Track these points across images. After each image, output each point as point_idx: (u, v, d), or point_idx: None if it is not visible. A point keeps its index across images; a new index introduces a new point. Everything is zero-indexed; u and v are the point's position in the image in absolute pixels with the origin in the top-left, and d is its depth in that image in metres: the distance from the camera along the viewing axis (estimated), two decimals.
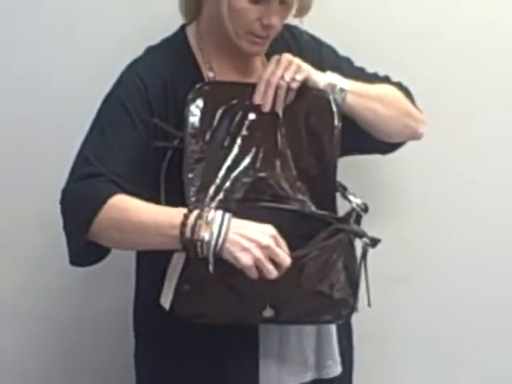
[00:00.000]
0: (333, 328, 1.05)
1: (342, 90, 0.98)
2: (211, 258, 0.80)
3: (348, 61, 1.13)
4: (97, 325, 1.34)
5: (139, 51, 1.01)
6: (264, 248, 0.80)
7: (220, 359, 0.98)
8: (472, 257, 1.43)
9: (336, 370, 1.05)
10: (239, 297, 0.87)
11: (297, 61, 0.96)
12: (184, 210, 0.82)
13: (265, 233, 0.82)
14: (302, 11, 0.97)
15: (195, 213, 0.82)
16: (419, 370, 1.48)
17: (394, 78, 1.13)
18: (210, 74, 1.00)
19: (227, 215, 0.82)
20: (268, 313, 0.89)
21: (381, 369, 1.45)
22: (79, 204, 0.90)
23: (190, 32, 1.03)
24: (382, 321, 1.41)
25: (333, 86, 0.98)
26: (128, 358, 1.08)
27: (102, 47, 1.16)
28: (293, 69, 0.95)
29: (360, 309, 1.01)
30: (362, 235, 0.95)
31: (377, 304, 1.15)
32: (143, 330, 1.06)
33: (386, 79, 1.13)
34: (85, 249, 0.91)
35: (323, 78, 0.98)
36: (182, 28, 1.04)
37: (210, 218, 0.81)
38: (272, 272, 0.81)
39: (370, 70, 1.14)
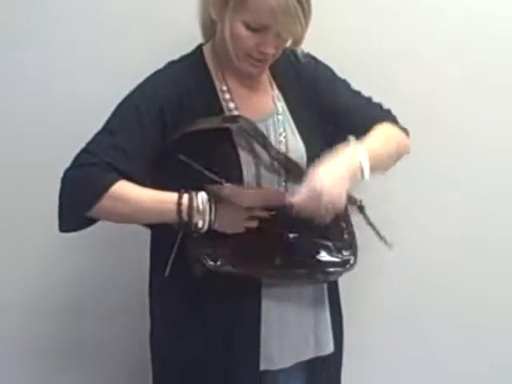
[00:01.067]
0: (327, 312, 1.18)
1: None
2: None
3: (345, 83, 1.24)
4: (117, 287, 1.48)
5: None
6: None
7: (225, 332, 1.09)
8: (451, 248, 1.57)
9: (329, 348, 1.18)
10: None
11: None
12: (175, 199, 1.00)
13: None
14: (296, 44, 1.09)
15: (186, 199, 1.00)
16: (402, 351, 1.63)
17: (379, 93, 1.26)
18: (224, 88, 1.11)
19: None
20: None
21: (367, 350, 1.58)
22: (80, 190, 1.00)
23: (206, 50, 1.15)
24: (368, 306, 1.56)
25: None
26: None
27: (128, 63, 1.30)
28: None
29: (349, 296, 1.19)
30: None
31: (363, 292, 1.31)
32: (157, 291, 1.17)
33: (378, 105, 1.24)
34: (79, 225, 1.04)
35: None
36: (200, 46, 1.16)
37: (201, 208, 1.00)
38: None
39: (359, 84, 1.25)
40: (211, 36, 1.15)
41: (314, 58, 1.23)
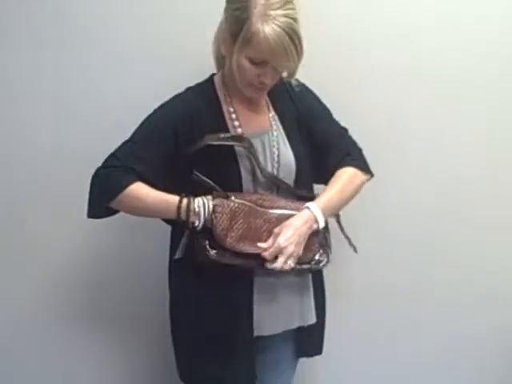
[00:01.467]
0: (311, 290, 1.39)
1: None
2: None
3: (329, 111, 1.44)
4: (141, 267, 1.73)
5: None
6: None
7: (225, 305, 1.30)
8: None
9: (312, 319, 1.39)
10: None
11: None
12: (176, 201, 1.23)
13: None
14: (290, 76, 1.30)
15: (185, 203, 1.22)
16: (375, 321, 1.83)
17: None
18: (231, 109, 1.32)
19: (208, 203, 1.22)
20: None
21: (344, 320, 1.77)
22: (105, 186, 1.25)
23: (217, 79, 1.37)
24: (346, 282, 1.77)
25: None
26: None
27: (156, 86, 1.53)
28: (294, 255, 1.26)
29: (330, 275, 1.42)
30: None
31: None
32: (174, 269, 1.39)
33: (350, 139, 1.44)
34: (102, 214, 1.29)
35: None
36: (212, 76, 1.39)
37: (197, 209, 1.22)
38: None
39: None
40: (221, 67, 1.36)
41: (305, 87, 1.43)
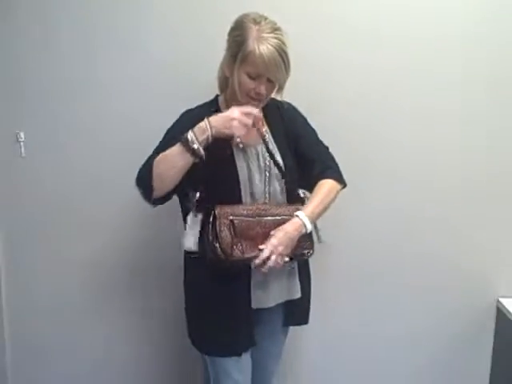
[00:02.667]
0: (296, 270, 1.63)
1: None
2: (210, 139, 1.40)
3: (313, 130, 1.67)
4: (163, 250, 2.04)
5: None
6: (235, 118, 1.39)
7: (227, 286, 1.54)
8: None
9: (297, 294, 1.64)
10: None
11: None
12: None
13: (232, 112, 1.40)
14: (280, 88, 1.53)
15: (190, 133, 1.40)
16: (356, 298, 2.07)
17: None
18: None
19: (208, 120, 1.40)
20: None
21: (328, 296, 2.02)
22: (143, 172, 1.47)
23: (220, 98, 1.61)
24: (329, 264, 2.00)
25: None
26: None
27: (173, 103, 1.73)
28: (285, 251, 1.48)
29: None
30: None
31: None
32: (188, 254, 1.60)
33: (330, 157, 1.66)
34: (152, 199, 1.49)
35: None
36: (216, 96, 1.62)
37: (202, 128, 1.40)
38: (248, 122, 1.40)
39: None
40: (224, 89, 1.59)
41: (293, 107, 1.67)
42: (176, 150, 1.42)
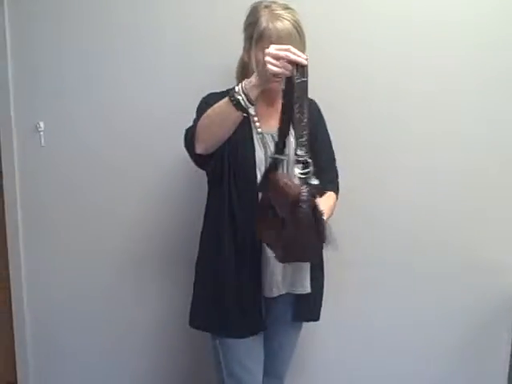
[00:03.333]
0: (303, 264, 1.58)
1: None
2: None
3: (328, 138, 1.66)
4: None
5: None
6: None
7: (240, 271, 1.53)
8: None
9: (305, 289, 1.60)
10: None
11: None
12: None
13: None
14: None
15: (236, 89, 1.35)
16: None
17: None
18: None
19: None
20: None
21: (342, 289, 1.96)
22: (188, 134, 1.47)
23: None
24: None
25: None
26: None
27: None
28: None
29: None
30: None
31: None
32: (204, 233, 1.63)
33: (335, 168, 1.65)
34: (195, 157, 1.47)
35: None
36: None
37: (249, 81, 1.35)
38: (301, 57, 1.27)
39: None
40: (243, 77, 1.50)
41: (319, 108, 1.67)
42: (222, 103, 1.40)
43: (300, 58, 1.28)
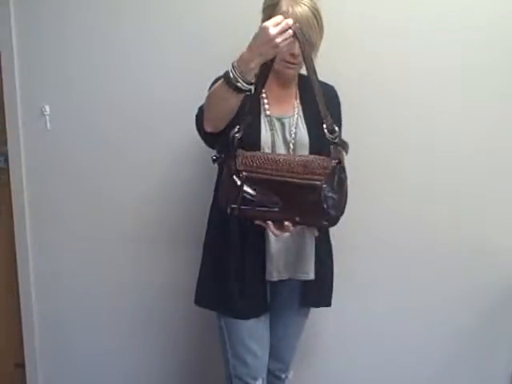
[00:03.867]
0: (310, 249, 1.57)
1: None
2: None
3: (340, 119, 1.63)
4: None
5: None
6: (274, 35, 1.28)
7: (244, 254, 1.54)
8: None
9: (308, 276, 1.57)
10: None
11: None
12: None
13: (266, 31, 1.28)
14: (314, 48, 1.47)
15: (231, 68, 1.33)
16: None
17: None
18: (263, 95, 1.52)
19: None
20: None
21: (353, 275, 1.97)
22: (199, 112, 1.49)
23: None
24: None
25: None
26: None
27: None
28: None
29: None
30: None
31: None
32: (210, 215, 1.66)
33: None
34: (205, 136, 1.49)
35: None
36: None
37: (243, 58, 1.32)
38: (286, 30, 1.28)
39: None
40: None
41: (337, 95, 1.65)
42: (219, 81, 1.39)
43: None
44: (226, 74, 1.35)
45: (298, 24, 1.34)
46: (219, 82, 1.38)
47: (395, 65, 1.86)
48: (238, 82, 1.33)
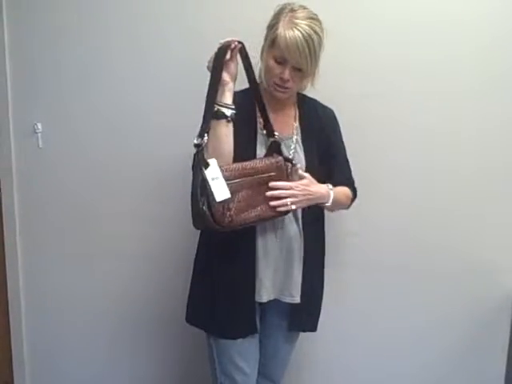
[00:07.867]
0: (297, 271, 1.56)
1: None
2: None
3: (344, 150, 1.67)
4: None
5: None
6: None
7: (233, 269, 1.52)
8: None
9: (296, 299, 1.56)
10: None
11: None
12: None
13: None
14: (308, 79, 1.52)
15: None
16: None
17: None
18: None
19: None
20: None
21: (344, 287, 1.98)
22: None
23: (261, 85, 1.55)
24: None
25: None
26: None
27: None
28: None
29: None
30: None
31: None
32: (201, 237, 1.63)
33: (350, 171, 1.67)
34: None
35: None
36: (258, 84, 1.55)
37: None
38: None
39: None
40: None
41: (335, 116, 1.66)
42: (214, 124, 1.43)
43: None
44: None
45: (237, 43, 1.41)
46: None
47: (395, 65, 1.89)
48: (218, 109, 1.40)
